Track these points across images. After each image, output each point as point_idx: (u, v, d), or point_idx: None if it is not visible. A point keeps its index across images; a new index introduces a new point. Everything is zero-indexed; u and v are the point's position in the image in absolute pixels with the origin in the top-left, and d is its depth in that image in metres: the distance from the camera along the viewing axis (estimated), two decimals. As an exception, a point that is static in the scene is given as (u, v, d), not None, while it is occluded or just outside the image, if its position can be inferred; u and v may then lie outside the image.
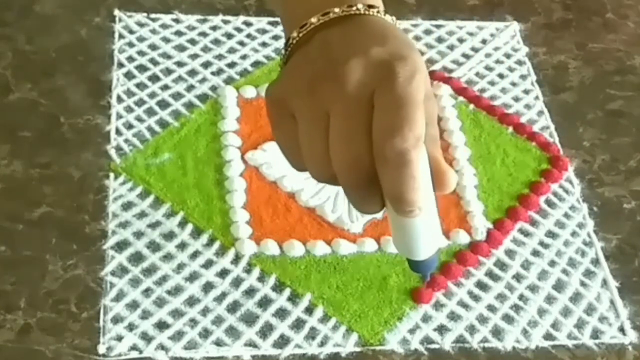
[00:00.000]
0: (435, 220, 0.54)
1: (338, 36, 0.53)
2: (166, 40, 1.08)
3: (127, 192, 0.91)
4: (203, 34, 1.09)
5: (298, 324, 0.83)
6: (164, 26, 1.09)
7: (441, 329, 0.84)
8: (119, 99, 1.00)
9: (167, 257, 0.87)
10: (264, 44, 1.09)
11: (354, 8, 0.53)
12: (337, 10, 0.53)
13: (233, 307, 0.84)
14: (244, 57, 1.07)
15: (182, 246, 0.88)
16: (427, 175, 0.51)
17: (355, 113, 0.50)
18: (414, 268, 0.56)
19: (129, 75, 1.03)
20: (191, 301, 0.84)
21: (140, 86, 1.02)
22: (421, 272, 0.57)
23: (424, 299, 0.85)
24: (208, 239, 0.88)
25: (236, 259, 0.87)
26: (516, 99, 1.07)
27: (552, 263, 0.90)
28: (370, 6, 0.54)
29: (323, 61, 0.53)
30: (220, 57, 1.07)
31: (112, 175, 0.93)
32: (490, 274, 0.89)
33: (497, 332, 0.84)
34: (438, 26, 1.14)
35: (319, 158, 0.52)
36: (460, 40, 1.13)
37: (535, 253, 0.91)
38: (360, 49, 0.51)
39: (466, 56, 1.11)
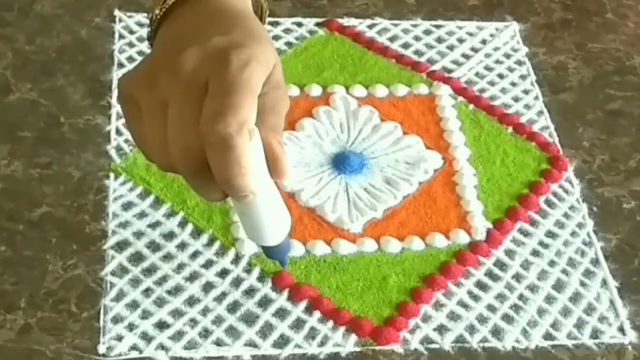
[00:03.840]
0: (279, 206, 0.54)
1: (179, 25, 0.54)
2: (166, 40, 1.07)
3: (127, 192, 0.92)
4: (203, 34, 1.09)
5: (298, 324, 0.83)
6: (164, 26, 1.09)
7: (441, 329, 0.84)
8: (119, 99, 1.00)
9: (167, 257, 0.87)
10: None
11: None
12: None
13: (233, 307, 0.84)
14: (243, 57, 1.07)
15: (182, 246, 0.88)
16: (260, 161, 0.51)
17: (187, 101, 0.50)
18: (268, 254, 0.57)
19: (129, 76, 1.02)
20: (191, 301, 0.84)
21: (140, 86, 1.02)
22: (276, 258, 0.57)
23: (424, 299, 0.86)
24: (208, 239, 0.89)
25: (236, 259, 0.87)
26: (516, 99, 1.07)
27: (552, 263, 0.90)
28: None
29: (161, 52, 0.53)
30: (220, 57, 1.06)
31: (112, 175, 0.93)
32: (490, 274, 0.89)
33: (496, 332, 0.84)
34: (438, 26, 1.14)
35: (157, 147, 0.52)
36: (460, 41, 1.13)
37: (535, 253, 0.91)
38: (199, 37, 0.52)
39: (466, 56, 1.11)
